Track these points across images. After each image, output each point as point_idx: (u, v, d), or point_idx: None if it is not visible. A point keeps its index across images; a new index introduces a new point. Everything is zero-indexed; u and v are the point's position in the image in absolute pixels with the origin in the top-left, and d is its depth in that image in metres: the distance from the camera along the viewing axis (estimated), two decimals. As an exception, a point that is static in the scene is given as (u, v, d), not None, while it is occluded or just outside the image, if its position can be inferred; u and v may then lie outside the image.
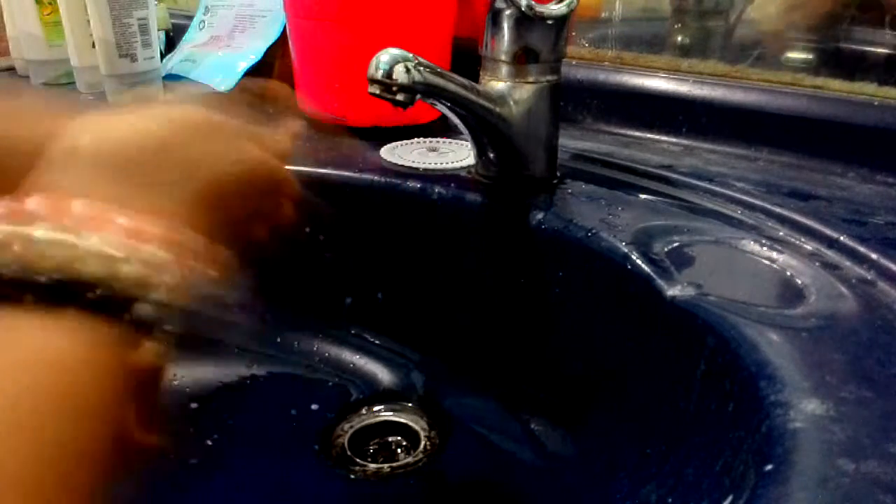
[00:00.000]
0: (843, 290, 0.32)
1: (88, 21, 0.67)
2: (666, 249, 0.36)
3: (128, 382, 0.20)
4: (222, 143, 0.27)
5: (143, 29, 0.68)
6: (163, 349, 0.22)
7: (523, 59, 0.41)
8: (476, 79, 0.43)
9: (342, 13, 0.52)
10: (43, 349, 0.19)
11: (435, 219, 0.46)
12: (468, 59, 0.46)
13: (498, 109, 0.42)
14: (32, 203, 0.20)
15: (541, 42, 0.41)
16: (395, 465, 0.43)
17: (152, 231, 0.22)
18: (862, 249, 0.35)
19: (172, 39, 0.82)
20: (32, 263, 0.19)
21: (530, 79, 0.42)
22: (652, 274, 0.34)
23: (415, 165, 0.49)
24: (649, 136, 0.54)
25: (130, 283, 0.20)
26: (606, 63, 0.58)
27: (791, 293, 0.32)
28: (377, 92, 0.37)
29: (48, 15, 0.75)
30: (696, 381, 0.31)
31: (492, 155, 0.45)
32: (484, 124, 0.43)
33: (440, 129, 0.56)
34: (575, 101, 0.57)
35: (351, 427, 0.45)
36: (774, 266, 0.34)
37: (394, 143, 0.53)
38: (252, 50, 0.65)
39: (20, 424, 0.17)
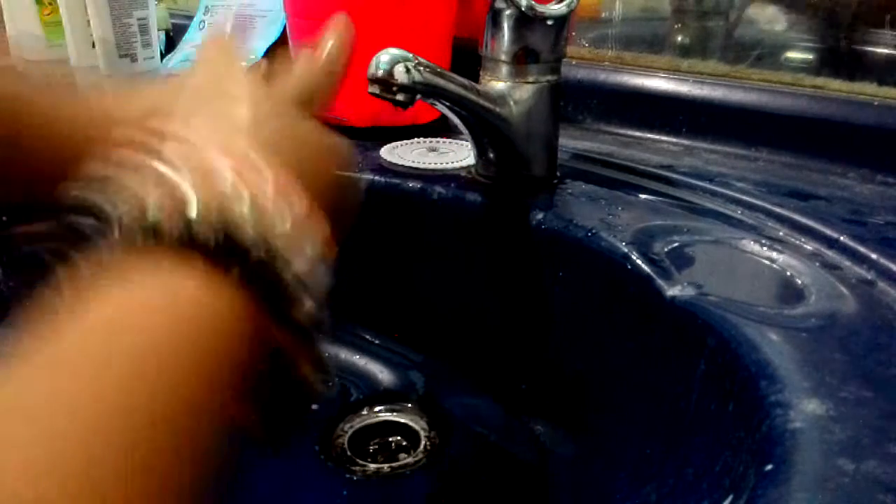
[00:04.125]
0: (843, 290, 0.32)
1: (88, 21, 0.67)
2: (666, 249, 0.36)
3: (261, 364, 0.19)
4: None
5: (143, 29, 0.68)
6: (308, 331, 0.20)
7: (523, 59, 0.41)
8: (476, 79, 0.43)
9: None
10: (193, 305, 0.18)
11: (435, 219, 0.46)
12: (468, 59, 0.46)
13: (498, 109, 0.42)
14: (221, 164, 0.20)
15: (541, 42, 0.41)
16: (395, 465, 0.43)
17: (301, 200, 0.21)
18: (862, 249, 0.35)
19: (172, 39, 0.82)
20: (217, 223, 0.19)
21: (530, 79, 0.42)
22: (652, 274, 0.34)
23: (415, 165, 0.48)
24: (649, 136, 0.54)
25: (282, 246, 0.19)
26: (606, 63, 0.57)
27: (791, 293, 0.32)
28: (377, 92, 0.37)
29: (48, 15, 0.75)
30: (696, 381, 0.31)
31: (492, 155, 0.45)
32: (484, 124, 0.43)
33: (440, 129, 0.56)
34: (575, 101, 0.57)
35: (351, 427, 0.45)
36: (774, 266, 0.34)
37: (394, 143, 0.53)
38: (252, 50, 0.65)
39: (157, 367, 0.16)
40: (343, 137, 0.28)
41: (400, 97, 0.37)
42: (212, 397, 0.17)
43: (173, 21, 0.84)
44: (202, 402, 0.17)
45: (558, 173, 0.46)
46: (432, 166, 0.48)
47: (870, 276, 0.33)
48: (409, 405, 0.47)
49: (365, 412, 0.47)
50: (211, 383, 0.18)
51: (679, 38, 0.58)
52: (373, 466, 0.43)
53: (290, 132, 0.25)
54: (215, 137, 0.21)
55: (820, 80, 0.50)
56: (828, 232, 0.37)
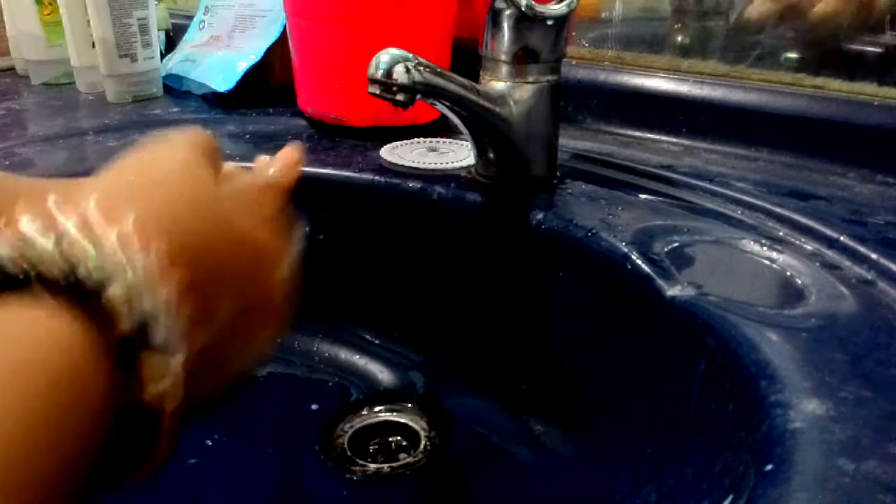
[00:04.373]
0: (843, 290, 0.32)
1: (88, 21, 0.67)
2: (666, 249, 0.36)
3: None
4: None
5: (143, 29, 0.68)
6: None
7: (523, 59, 0.41)
8: (476, 79, 0.43)
9: (342, 13, 0.52)
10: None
11: (435, 219, 0.46)
12: (468, 59, 0.46)
13: (498, 109, 0.42)
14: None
15: (541, 42, 0.41)
16: (395, 464, 0.43)
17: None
18: (862, 249, 0.35)
19: (172, 39, 0.82)
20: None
21: (530, 79, 0.42)
22: (652, 274, 0.34)
23: (415, 165, 0.49)
24: (649, 136, 0.54)
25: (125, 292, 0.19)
26: (606, 63, 0.58)
27: (791, 293, 0.32)
28: (377, 92, 0.37)
29: (48, 15, 0.75)
30: (696, 381, 0.31)
31: (492, 155, 0.45)
32: (484, 124, 0.43)
33: (440, 129, 0.56)
34: (575, 101, 0.57)
35: (351, 427, 0.45)
36: (774, 266, 0.34)
37: (394, 143, 0.53)
38: (252, 50, 0.65)
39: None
40: (288, 244, 0.27)
41: (400, 97, 0.37)
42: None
43: (173, 21, 0.84)
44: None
45: (558, 173, 0.46)
46: (432, 166, 0.48)
47: (870, 276, 0.33)
48: (409, 405, 0.47)
49: (365, 412, 0.47)
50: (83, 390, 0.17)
51: (679, 38, 0.58)
52: (373, 466, 0.43)
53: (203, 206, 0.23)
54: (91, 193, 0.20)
55: (820, 80, 0.50)
56: (828, 232, 0.37)
